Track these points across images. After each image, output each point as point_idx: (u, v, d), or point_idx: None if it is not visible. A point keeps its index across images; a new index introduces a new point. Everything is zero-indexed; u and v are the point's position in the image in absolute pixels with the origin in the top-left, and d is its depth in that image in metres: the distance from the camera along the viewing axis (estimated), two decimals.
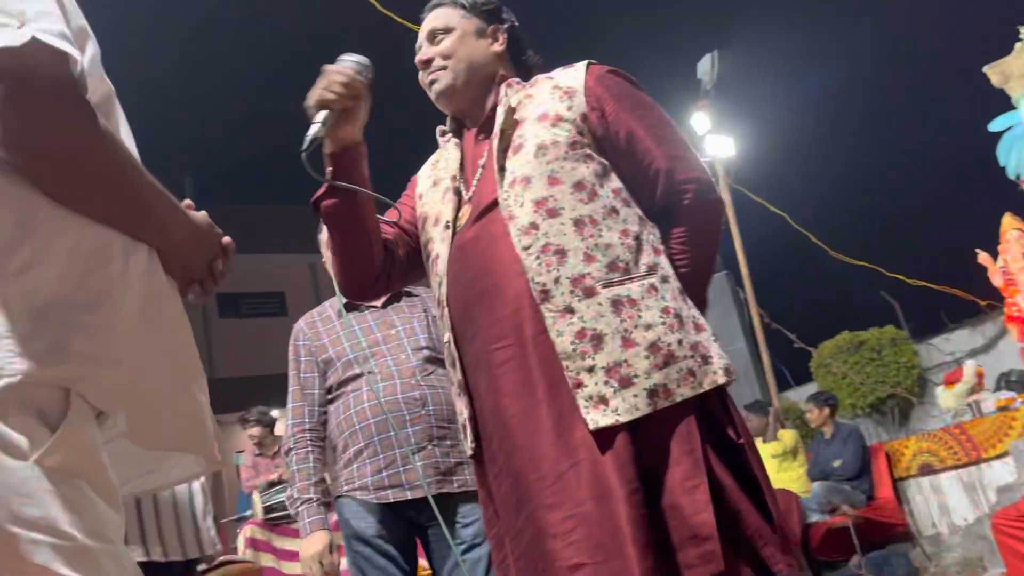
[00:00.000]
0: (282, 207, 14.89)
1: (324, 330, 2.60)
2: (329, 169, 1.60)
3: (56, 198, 0.89)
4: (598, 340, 1.42)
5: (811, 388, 8.06)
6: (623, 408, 1.38)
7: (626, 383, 1.40)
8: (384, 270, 1.75)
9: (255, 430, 5.84)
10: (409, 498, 2.35)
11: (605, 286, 1.45)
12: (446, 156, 1.75)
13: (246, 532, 4.63)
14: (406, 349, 2.49)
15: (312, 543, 2.42)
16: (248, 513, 5.33)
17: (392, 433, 2.37)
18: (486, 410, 1.54)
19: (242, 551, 4.49)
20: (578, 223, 1.48)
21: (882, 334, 7.68)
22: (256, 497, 5.09)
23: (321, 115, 1.51)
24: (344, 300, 2.58)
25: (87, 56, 0.97)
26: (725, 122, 9.50)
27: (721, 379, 1.45)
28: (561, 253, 1.46)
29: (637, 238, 1.51)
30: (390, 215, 1.81)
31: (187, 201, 1.08)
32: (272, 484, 5.21)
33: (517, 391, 1.46)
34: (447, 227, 1.63)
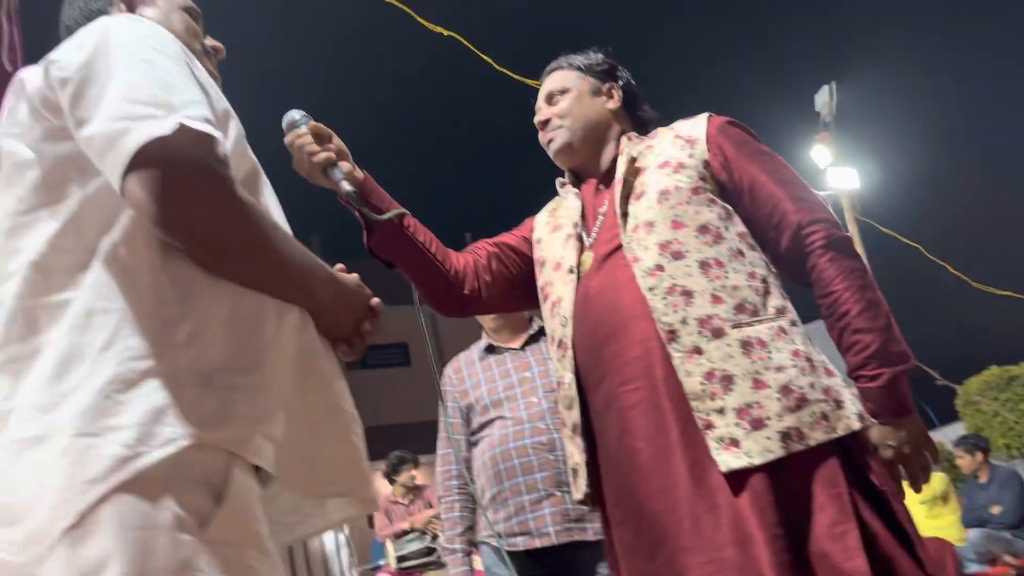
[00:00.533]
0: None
1: (467, 375, 2.63)
2: (367, 208, 1.62)
3: (211, 270, 0.96)
4: (728, 381, 1.41)
5: (958, 428, 7.59)
6: (755, 450, 1.36)
7: (758, 425, 1.38)
8: (475, 285, 1.78)
9: (414, 471, 5.84)
10: (538, 546, 2.32)
11: (734, 327, 1.44)
12: (566, 204, 1.78)
13: None
14: (539, 391, 2.48)
15: None
16: (382, 562, 5.42)
17: (520, 479, 2.37)
18: (612, 453, 1.53)
19: None
20: (704, 265, 1.49)
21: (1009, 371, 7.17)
22: (389, 546, 5.17)
23: (335, 173, 1.54)
24: (487, 342, 2.65)
25: (231, 136, 1.05)
26: (847, 154, 9.22)
27: (855, 424, 1.42)
28: (688, 294, 1.47)
29: (764, 281, 1.51)
30: (499, 238, 1.87)
31: (339, 266, 1.14)
32: (404, 532, 5.28)
33: (650, 434, 1.45)
34: (570, 271, 1.66)
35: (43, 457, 0.85)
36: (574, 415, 1.61)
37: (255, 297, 0.98)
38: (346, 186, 1.53)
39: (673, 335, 1.45)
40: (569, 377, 1.61)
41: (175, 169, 0.91)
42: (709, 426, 1.40)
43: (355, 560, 3.17)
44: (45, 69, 0.98)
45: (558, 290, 1.68)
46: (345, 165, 1.55)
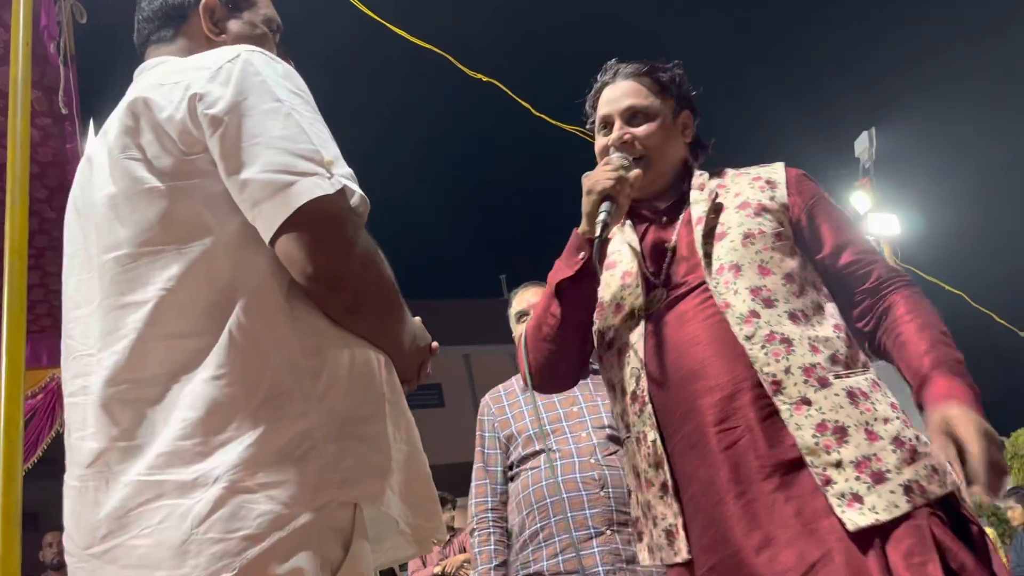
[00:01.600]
0: (438, 301, 15.41)
1: (508, 404, 2.57)
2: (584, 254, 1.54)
3: (345, 324, 1.00)
4: (841, 433, 1.35)
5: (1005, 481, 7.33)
6: (881, 506, 1.29)
7: (879, 479, 1.31)
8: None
9: (452, 513, 5.80)
10: None
11: (836, 377, 1.40)
12: (620, 239, 1.68)
13: None
14: (588, 427, 2.41)
15: None
16: None
17: (569, 515, 2.29)
18: (698, 497, 1.43)
19: None
20: (793, 316, 1.45)
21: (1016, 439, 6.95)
22: None
23: (606, 205, 1.50)
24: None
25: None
26: (888, 200, 9.14)
27: (959, 480, 1.31)
28: (787, 342, 1.42)
29: (847, 334, 1.48)
30: None
31: (417, 319, 1.18)
32: None
33: (748, 477, 1.37)
34: (635, 316, 1.56)
35: (194, 506, 0.86)
36: (663, 475, 1.48)
37: (363, 346, 1.02)
38: (604, 221, 1.49)
39: (778, 385, 1.39)
40: (653, 435, 1.50)
41: (336, 227, 0.95)
42: (828, 482, 1.32)
43: None
44: (189, 102, 0.98)
45: (623, 336, 1.58)
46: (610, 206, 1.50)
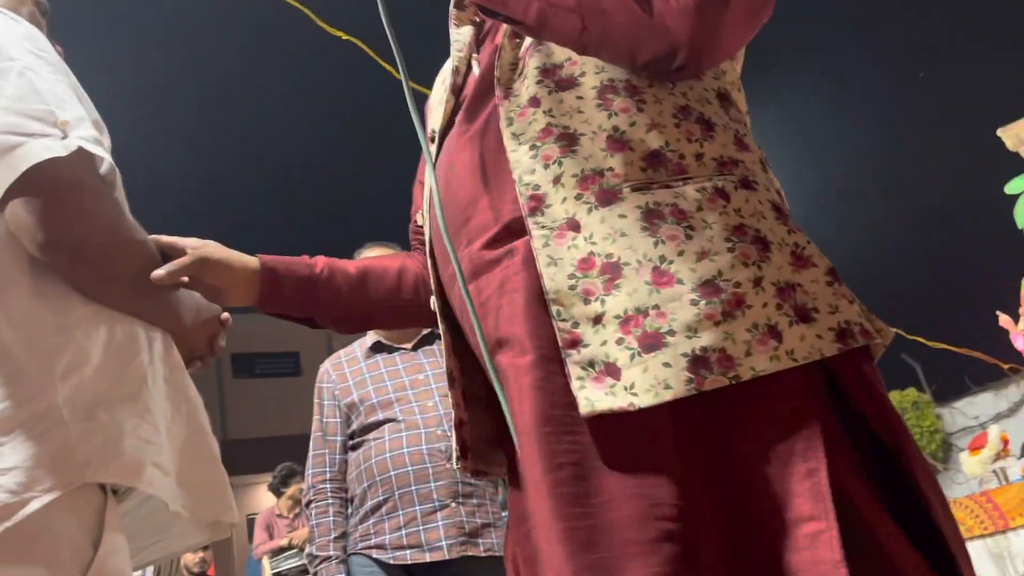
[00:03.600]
0: None
1: (349, 372, 2.49)
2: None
3: (92, 296, 0.93)
4: (614, 272, 0.92)
5: None
6: (642, 384, 0.86)
7: (653, 343, 0.88)
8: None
9: (303, 485, 5.65)
10: (428, 560, 2.23)
11: (635, 190, 0.96)
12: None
13: None
14: (434, 396, 2.38)
15: None
16: None
17: (414, 487, 2.27)
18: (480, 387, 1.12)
19: None
20: (604, 91, 1.02)
21: (903, 397, 7.57)
22: (265, 563, 5.00)
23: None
24: (374, 339, 2.52)
25: (106, 148, 1.02)
26: None
27: (832, 347, 0.90)
28: (570, 138, 1.00)
29: (705, 118, 1.02)
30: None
31: (164, 238, 1.11)
32: (282, 549, 5.11)
33: (509, 354, 0.97)
34: (434, 139, 1.20)
35: None
36: (450, 363, 1.16)
37: (128, 322, 0.96)
38: None
39: (539, 203, 0.98)
40: (433, 305, 1.19)
41: (69, 191, 0.89)
42: (574, 343, 0.91)
43: None
44: None
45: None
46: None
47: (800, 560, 0.82)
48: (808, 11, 4.69)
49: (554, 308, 0.93)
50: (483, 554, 2.25)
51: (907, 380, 7.88)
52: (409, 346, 2.53)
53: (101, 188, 0.93)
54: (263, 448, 9.28)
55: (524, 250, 0.99)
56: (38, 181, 0.86)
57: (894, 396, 7.56)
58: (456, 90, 1.17)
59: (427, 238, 1.20)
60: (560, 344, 0.92)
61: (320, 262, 1.26)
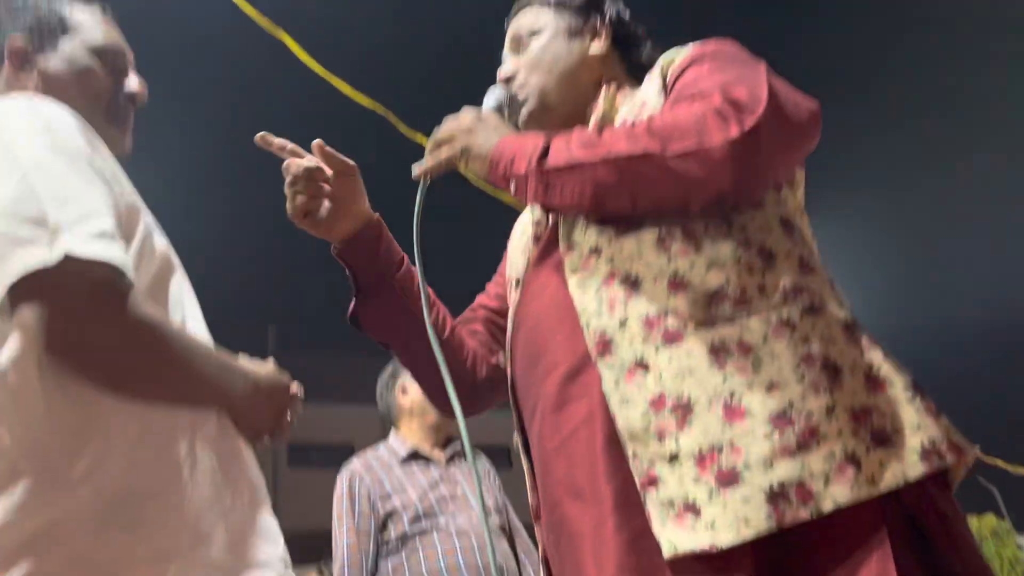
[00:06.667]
0: (355, 358, 15.15)
1: (385, 477, 2.42)
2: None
3: (114, 393, 0.90)
4: (685, 410, 0.94)
5: None
6: (723, 522, 0.87)
7: (729, 480, 0.89)
8: (488, 373, 1.34)
9: None
10: None
11: (700, 326, 0.97)
12: None
13: None
14: (472, 507, 2.35)
15: None
16: None
17: None
18: (547, 516, 1.10)
19: None
20: (661, 240, 1.04)
21: (982, 523, 7.17)
22: None
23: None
24: (411, 448, 2.48)
25: (137, 235, 1.00)
26: None
27: (915, 470, 0.88)
28: (631, 284, 1.02)
29: (768, 251, 1.03)
30: (482, 296, 1.45)
31: (268, 360, 1.12)
32: None
33: (582, 491, 1.00)
34: (516, 285, 1.24)
35: None
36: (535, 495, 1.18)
37: (165, 412, 0.93)
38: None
39: (606, 347, 1.00)
40: (515, 439, 1.23)
41: (61, 300, 0.86)
42: (652, 482, 0.92)
43: None
44: None
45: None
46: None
47: None
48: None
49: (630, 448, 0.95)
50: None
51: (984, 504, 7.48)
52: (443, 459, 2.51)
53: (101, 292, 0.88)
54: (314, 539, 9.21)
55: (597, 391, 1.01)
56: (28, 290, 0.85)
57: (972, 524, 7.17)
58: (537, 240, 1.24)
59: (509, 373, 1.24)
60: (638, 484, 0.94)
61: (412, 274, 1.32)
